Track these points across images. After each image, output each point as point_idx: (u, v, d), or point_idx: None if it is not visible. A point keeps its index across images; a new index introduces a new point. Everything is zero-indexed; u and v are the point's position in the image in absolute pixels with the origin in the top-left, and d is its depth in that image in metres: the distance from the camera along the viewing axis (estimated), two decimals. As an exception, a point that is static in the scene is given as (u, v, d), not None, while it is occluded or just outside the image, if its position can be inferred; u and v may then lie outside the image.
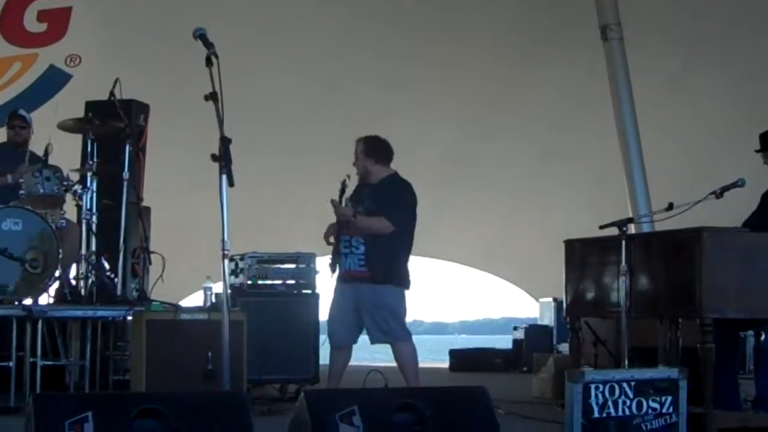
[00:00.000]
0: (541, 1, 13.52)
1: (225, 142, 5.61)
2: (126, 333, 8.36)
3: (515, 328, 15.68)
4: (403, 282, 8.17)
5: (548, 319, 15.55)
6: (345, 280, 8.19)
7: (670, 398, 5.76)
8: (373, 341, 8.18)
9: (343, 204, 8.09)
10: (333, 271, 8.30)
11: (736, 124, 14.23)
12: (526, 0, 13.57)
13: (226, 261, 5.73)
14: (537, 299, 16.99)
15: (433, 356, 20.57)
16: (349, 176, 7.94)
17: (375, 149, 8.27)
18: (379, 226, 8.03)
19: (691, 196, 7.15)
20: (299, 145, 14.62)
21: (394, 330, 8.09)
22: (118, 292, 8.68)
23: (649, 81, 13.13)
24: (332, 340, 8.24)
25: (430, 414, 5.13)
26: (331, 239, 8.24)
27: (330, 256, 8.38)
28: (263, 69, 13.34)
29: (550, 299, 15.46)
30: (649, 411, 5.68)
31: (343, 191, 7.99)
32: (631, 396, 5.63)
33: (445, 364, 15.81)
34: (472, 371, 14.29)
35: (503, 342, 16.68)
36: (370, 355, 14.55)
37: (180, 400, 4.87)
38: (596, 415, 5.52)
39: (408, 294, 8.23)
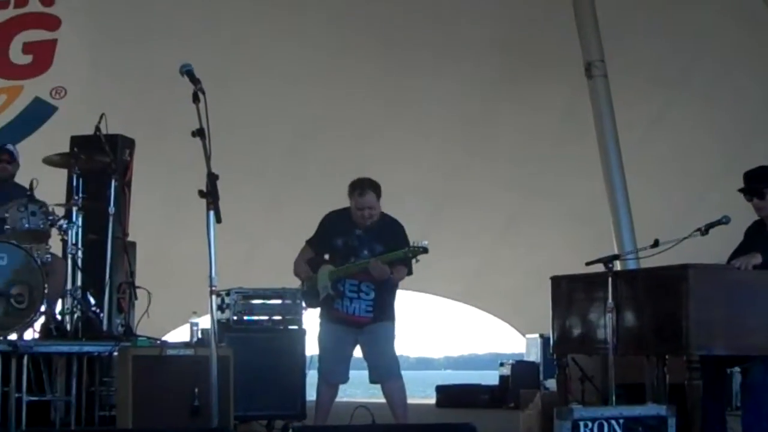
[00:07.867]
0: (520, 39, 13.55)
1: (212, 178, 5.60)
2: (112, 368, 8.25)
3: (502, 364, 15.67)
4: (395, 317, 8.15)
5: (534, 355, 15.56)
6: (345, 322, 8.08)
7: (658, 436, 5.76)
8: (372, 380, 8.10)
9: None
10: (310, 306, 8.26)
11: (718, 161, 14.32)
12: (506, 40, 13.60)
13: (214, 297, 5.70)
14: (523, 335, 17.01)
15: (418, 392, 20.55)
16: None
17: (380, 192, 8.12)
18: (403, 276, 7.99)
19: (674, 234, 7.15)
20: (284, 176, 14.66)
21: (392, 367, 8.06)
22: (104, 327, 8.63)
23: (630, 118, 13.17)
24: (327, 376, 8.17)
25: (418, 451, 5.12)
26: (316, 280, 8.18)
27: (305, 291, 8.34)
28: (249, 105, 13.37)
29: (537, 335, 15.47)
30: (638, 448, 5.68)
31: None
32: (619, 433, 5.63)
33: (431, 400, 15.79)
34: (458, 407, 14.27)
35: (489, 378, 16.66)
36: (357, 391, 14.52)
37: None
38: (585, 452, 5.52)
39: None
